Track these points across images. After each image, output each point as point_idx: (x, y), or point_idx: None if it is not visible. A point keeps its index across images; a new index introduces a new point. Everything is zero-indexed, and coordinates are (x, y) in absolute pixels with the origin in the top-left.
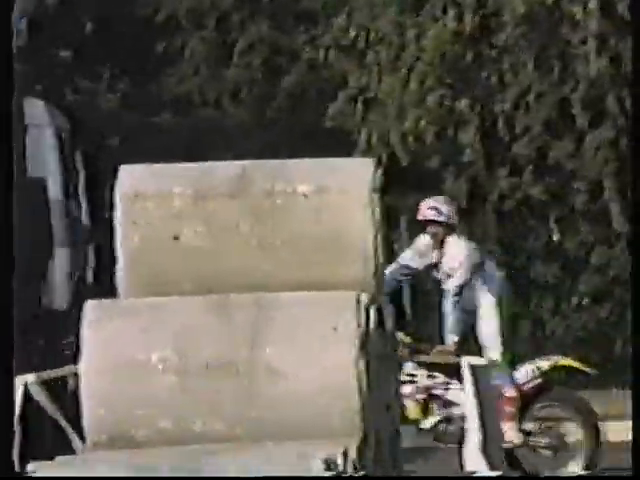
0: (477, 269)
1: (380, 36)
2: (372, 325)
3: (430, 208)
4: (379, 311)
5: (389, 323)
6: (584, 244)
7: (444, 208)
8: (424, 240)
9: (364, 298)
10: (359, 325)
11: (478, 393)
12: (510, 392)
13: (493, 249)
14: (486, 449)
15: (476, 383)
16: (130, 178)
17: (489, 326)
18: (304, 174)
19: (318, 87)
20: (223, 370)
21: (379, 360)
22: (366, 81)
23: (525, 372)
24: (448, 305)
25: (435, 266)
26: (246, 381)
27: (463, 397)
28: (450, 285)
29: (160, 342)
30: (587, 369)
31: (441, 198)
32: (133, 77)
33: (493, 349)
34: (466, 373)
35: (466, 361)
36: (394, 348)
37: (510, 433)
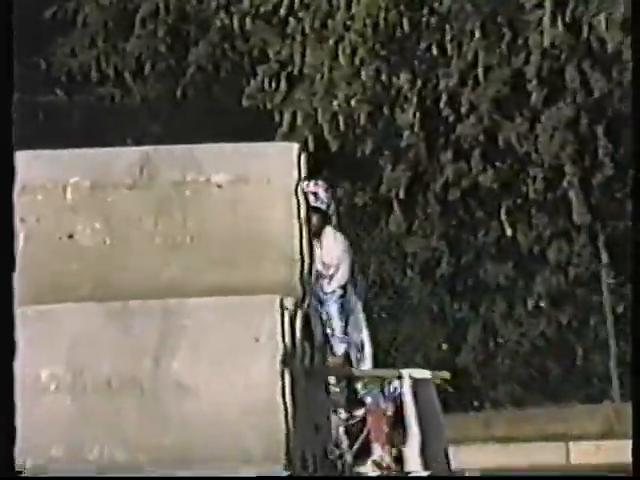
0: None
1: (305, 1)
2: (298, 334)
3: (309, 193)
4: (306, 318)
5: (318, 332)
6: (540, 239)
7: (322, 193)
8: None
9: (289, 303)
10: (283, 335)
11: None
12: (381, 409)
13: (438, 245)
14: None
15: (417, 396)
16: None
17: (364, 335)
18: (218, 161)
19: (233, 60)
20: (124, 388)
21: (306, 375)
22: (289, 53)
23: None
24: (332, 307)
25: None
26: (151, 400)
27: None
28: (334, 284)
29: (51, 357)
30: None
31: (321, 182)
32: (17, 49)
33: (368, 361)
34: (406, 385)
35: (407, 373)
36: (323, 361)
37: (382, 453)
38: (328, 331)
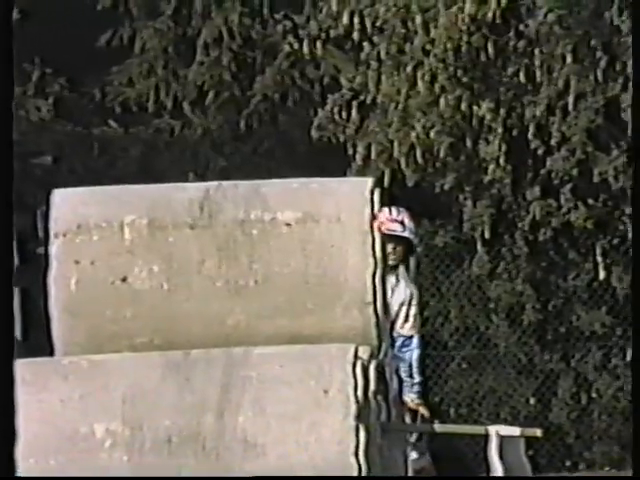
0: None
1: (380, 24)
2: (373, 387)
3: (393, 220)
4: (381, 369)
5: (394, 384)
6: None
7: (408, 221)
8: None
9: (362, 353)
10: (356, 387)
11: (507, 467)
12: None
13: (524, 289)
14: None
15: (504, 455)
16: (68, 205)
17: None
18: (286, 198)
19: (302, 89)
20: (185, 445)
21: (382, 432)
22: (362, 81)
23: None
24: (411, 351)
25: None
26: (214, 458)
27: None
28: (410, 327)
29: (106, 411)
30: None
31: (403, 209)
32: (69, 77)
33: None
34: (493, 444)
35: (494, 430)
36: (401, 416)
37: None
38: (405, 380)
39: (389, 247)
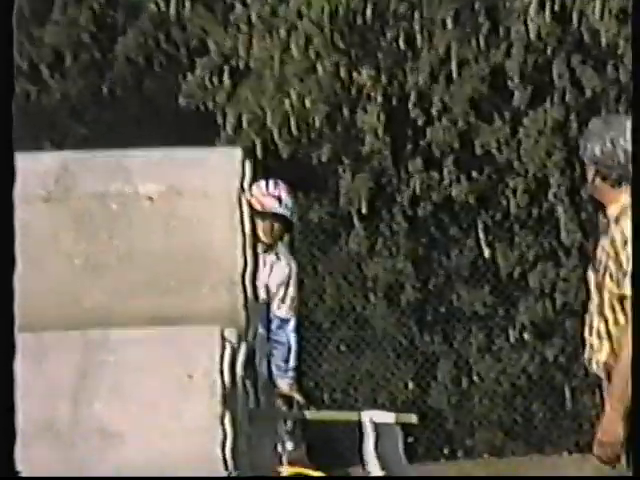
0: None
1: None
2: (241, 371)
3: (269, 195)
4: (250, 352)
5: (263, 367)
6: (522, 260)
7: (286, 196)
8: None
9: (230, 335)
10: (223, 372)
11: (381, 455)
12: None
13: (405, 267)
14: None
15: (379, 443)
16: None
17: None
18: (149, 169)
19: (168, 52)
20: (38, 435)
21: (251, 420)
22: (233, 45)
23: None
24: (290, 338)
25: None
26: (69, 449)
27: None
28: (286, 310)
29: None
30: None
31: (282, 183)
32: None
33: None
34: (368, 431)
35: (368, 417)
36: (271, 402)
37: None
38: (279, 364)
39: (265, 225)
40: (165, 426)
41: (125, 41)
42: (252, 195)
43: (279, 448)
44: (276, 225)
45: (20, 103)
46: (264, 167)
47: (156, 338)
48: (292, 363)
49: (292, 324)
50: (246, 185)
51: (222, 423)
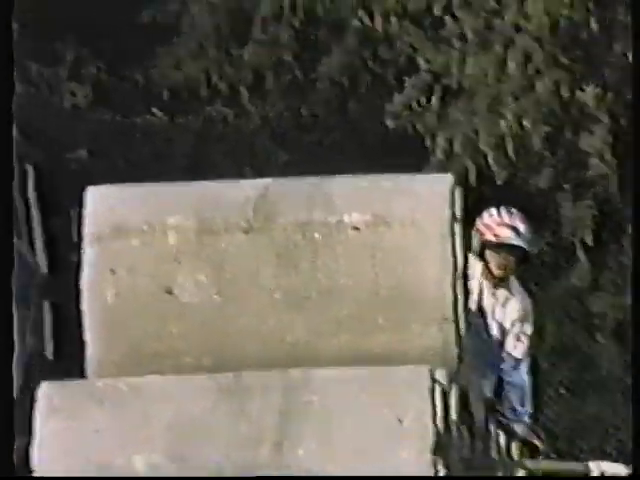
0: None
1: None
2: (454, 416)
3: (505, 225)
4: (464, 395)
5: (479, 412)
6: None
7: (522, 226)
8: (477, 270)
9: (442, 376)
10: (435, 416)
11: None
12: None
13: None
14: None
15: None
16: (104, 205)
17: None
18: (354, 198)
19: (374, 72)
20: None
21: (465, 468)
22: (444, 62)
23: None
24: (522, 376)
25: (480, 311)
26: None
27: None
28: (521, 350)
29: (147, 441)
30: None
31: (515, 210)
32: (108, 59)
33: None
34: None
35: (597, 467)
36: (486, 450)
37: None
38: (514, 408)
39: (499, 257)
40: (374, 474)
41: (329, 61)
42: (483, 224)
43: None
44: (511, 258)
45: (218, 127)
46: (477, 194)
47: (362, 378)
48: (528, 407)
49: (527, 365)
50: (458, 214)
51: (435, 472)
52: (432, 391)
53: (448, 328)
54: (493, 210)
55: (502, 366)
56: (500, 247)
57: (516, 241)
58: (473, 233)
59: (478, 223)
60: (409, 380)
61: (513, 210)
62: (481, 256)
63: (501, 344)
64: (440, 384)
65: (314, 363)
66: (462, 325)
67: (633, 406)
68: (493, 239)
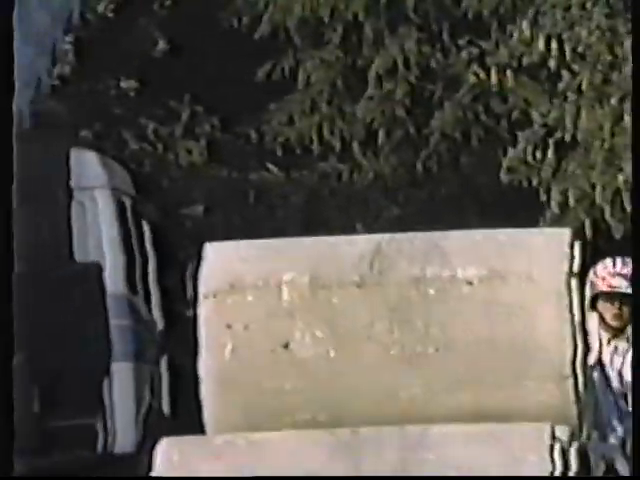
0: None
1: (580, 50)
2: (573, 473)
3: (617, 275)
4: (584, 454)
5: (599, 470)
6: None
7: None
8: (594, 323)
9: (561, 434)
10: (555, 473)
11: None
12: None
13: None
14: None
15: None
16: (220, 260)
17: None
18: (468, 252)
19: (487, 125)
20: None
21: None
22: (558, 115)
23: None
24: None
25: (600, 364)
26: None
27: None
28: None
29: None
30: None
31: (630, 260)
32: (223, 116)
33: None
34: None
35: None
36: None
37: None
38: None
39: (614, 307)
40: None
41: (442, 115)
42: (597, 275)
43: None
44: (625, 308)
45: (332, 183)
46: (594, 249)
47: (479, 436)
48: None
49: None
50: (575, 269)
51: None
52: (551, 449)
53: (567, 385)
54: (608, 261)
55: (625, 424)
56: (614, 297)
57: (628, 289)
58: (587, 285)
59: (591, 274)
60: (528, 438)
61: (628, 260)
62: (594, 307)
63: (624, 396)
64: (560, 442)
65: (429, 420)
66: (581, 381)
67: (633, 406)
68: (606, 288)
